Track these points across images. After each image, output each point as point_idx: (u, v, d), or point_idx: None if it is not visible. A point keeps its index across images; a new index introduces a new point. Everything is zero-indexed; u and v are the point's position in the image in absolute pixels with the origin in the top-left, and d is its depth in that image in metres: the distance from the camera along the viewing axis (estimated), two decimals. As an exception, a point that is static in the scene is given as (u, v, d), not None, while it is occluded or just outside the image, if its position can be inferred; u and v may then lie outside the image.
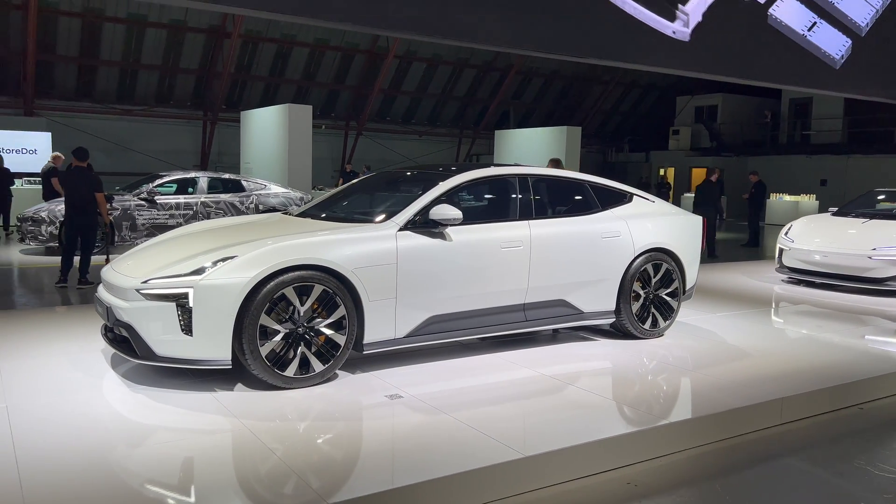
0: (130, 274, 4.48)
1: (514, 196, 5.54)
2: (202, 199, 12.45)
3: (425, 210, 4.96)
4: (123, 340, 4.43)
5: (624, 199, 6.18)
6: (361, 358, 5.08)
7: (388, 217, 4.94)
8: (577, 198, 5.98)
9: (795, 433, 4.41)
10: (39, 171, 14.96)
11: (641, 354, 5.58)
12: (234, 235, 4.82)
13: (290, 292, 4.35)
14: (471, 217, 5.44)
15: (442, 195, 5.12)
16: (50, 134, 19.69)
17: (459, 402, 4.31)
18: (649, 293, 6.03)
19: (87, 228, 8.56)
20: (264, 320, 4.28)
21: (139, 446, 3.63)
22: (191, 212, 12.33)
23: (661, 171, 30.78)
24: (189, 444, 3.68)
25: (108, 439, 3.65)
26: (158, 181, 12.38)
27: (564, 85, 30.25)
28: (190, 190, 12.62)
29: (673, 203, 19.19)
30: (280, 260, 4.32)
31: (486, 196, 5.77)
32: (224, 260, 4.31)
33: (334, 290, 4.48)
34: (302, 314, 4.42)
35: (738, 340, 6.15)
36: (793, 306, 8.27)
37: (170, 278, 4.28)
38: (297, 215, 5.66)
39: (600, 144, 33.73)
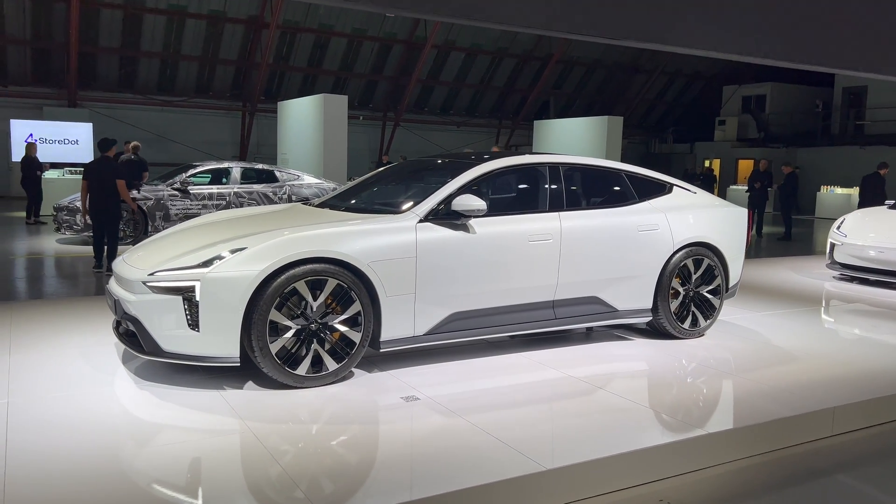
0: (139, 266, 4.30)
1: (544, 186, 5.22)
2: (235, 190, 12.37)
3: (447, 200, 4.68)
4: (132, 335, 4.26)
5: (663, 189, 5.81)
6: (379, 356, 4.83)
7: (409, 208, 4.68)
8: (612, 188, 5.63)
9: (848, 447, 4.03)
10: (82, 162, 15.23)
11: (680, 356, 5.22)
12: (248, 226, 4.62)
13: (301, 286, 4.12)
14: (497, 208, 5.16)
15: (466, 185, 4.83)
16: (91, 125, 19.92)
17: (478, 405, 4.04)
18: (689, 290, 5.66)
19: (110, 217, 8.59)
20: (274, 315, 4.06)
21: (142, 446, 3.45)
22: (224, 202, 12.26)
23: (707, 163, 29.92)
24: (195, 444, 3.48)
25: (108, 438, 3.47)
26: (192, 171, 12.34)
27: (606, 74, 29.57)
28: (224, 180, 12.55)
29: (720, 196, 18.63)
30: (291, 252, 4.09)
31: (515, 186, 5.46)
32: (233, 252, 4.11)
33: (349, 285, 4.24)
34: (315, 309, 4.19)
35: (784, 342, 5.74)
36: (845, 305, 7.78)
37: (176, 270, 4.09)
38: (317, 205, 5.44)
39: (643, 135, 32.96)
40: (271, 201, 12.52)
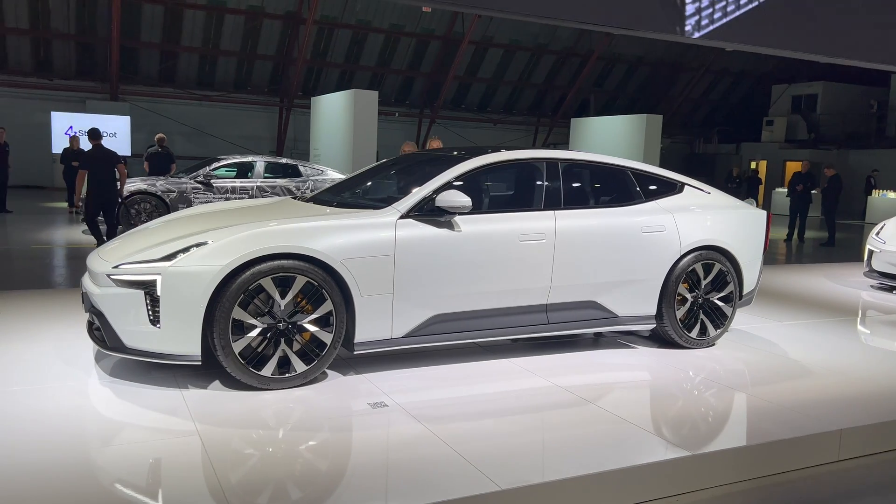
0: (108, 258, 4.16)
1: (539, 183, 4.93)
2: (258, 184, 12.34)
3: (432, 196, 4.44)
4: (97, 329, 4.12)
5: (673, 189, 5.46)
6: (357, 359, 4.62)
7: (391, 203, 4.45)
8: (616, 187, 5.30)
9: (852, 474, 3.65)
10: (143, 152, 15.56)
11: (682, 367, 4.88)
12: (224, 219, 4.44)
13: (268, 283, 3.93)
14: (488, 205, 4.91)
15: (452, 181, 4.58)
16: (129, 118, 20.22)
17: (447, 415, 3.78)
18: (698, 297, 5.30)
19: (108, 202, 9.20)
20: (238, 313, 3.88)
21: (98, 445, 3.29)
22: (247, 195, 12.24)
23: (753, 164, 28.99)
24: (152, 445, 3.29)
25: (62, 435, 3.31)
26: (216, 164, 12.34)
27: (650, 72, 28.88)
28: (249, 174, 12.54)
29: (764, 199, 17.78)
30: (257, 247, 3.90)
31: (509, 183, 5.18)
32: (197, 246, 3.94)
33: (320, 283, 4.03)
34: (283, 308, 3.99)
35: (802, 355, 5.34)
36: (880, 316, 7.27)
37: (139, 264, 3.93)
38: (307, 200, 5.25)
39: (687, 135, 32.12)
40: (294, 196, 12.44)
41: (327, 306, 4.08)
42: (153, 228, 4.70)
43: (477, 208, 4.65)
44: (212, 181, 11.96)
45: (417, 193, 4.46)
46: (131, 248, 4.19)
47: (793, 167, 26.96)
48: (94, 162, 8.99)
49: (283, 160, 13.27)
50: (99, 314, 4.00)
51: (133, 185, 11.56)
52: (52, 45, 21.14)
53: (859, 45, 8.08)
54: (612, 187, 5.31)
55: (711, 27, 6.52)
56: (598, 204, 5.17)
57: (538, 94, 28.18)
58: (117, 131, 19.93)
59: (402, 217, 4.35)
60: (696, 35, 6.46)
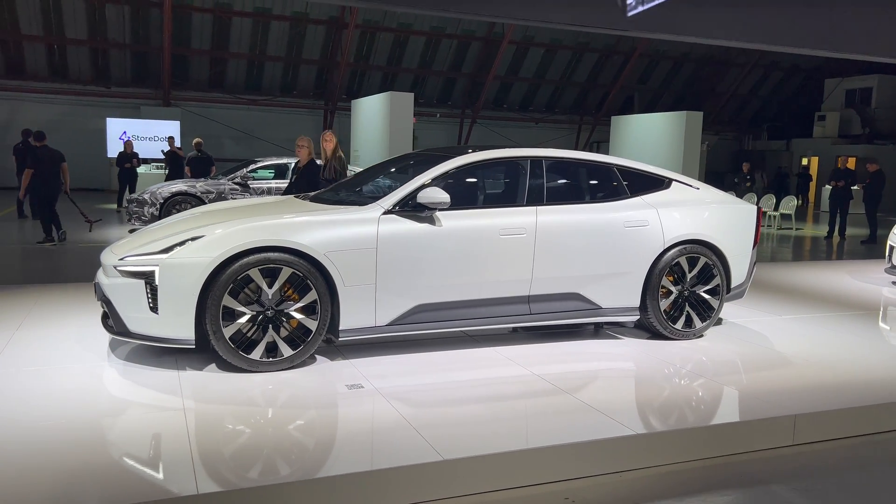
0: (117, 252, 4.58)
1: (522, 181, 5.17)
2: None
3: (414, 193, 4.73)
4: (106, 316, 4.55)
5: (660, 185, 5.61)
6: (350, 347, 4.93)
7: (375, 200, 4.76)
8: (601, 183, 5.49)
9: (802, 458, 3.78)
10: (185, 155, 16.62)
11: (662, 357, 5.04)
12: (224, 216, 4.81)
13: (255, 274, 4.28)
14: (471, 202, 5.17)
15: (436, 178, 4.86)
16: (179, 122, 21.10)
17: (417, 398, 4.06)
18: (683, 290, 5.44)
19: (51, 196, 10.60)
20: (228, 301, 4.24)
21: (98, 419, 3.63)
22: (302, 194, 12.73)
23: (804, 161, 28.32)
24: (149, 421, 3.65)
25: (66, 410, 3.70)
26: (253, 166, 12.88)
27: (696, 68, 28.50)
28: (286, 176, 13.03)
29: (815, 196, 17.37)
30: (245, 241, 4.26)
31: (493, 180, 5.42)
32: (194, 239, 4.32)
33: (305, 274, 4.36)
34: (270, 297, 4.34)
35: (788, 347, 5.42)
36: (891, 311, 7.22)
37: (141, 256, 4.34)
38: (310, 198, 5.58)
39: (736, 132, 31.56)
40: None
41: (312, 296, 4.41)
42: (165, 225, 5.11)
43: (460, 205, 4.92)
44: (249, 182, 12.49)
45: (400, 191, 4.76)
46: (138, 242, 4.60)
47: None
48: (41, 161, 10.43)
49: (318, 161, 13.71)
50: (108, 302, 4.42)
51: (175, 186, 12.19)
52: (109, 55, 22.22)
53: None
54: (596, 184, 5.50)
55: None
56: (581, 200, 5.36)
57: (581, 92, 28.14)
58: (167, 136, 20.84)
59: (385, 213, 4.65)
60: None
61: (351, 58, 23.61)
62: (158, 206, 11.89)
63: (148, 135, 20.43)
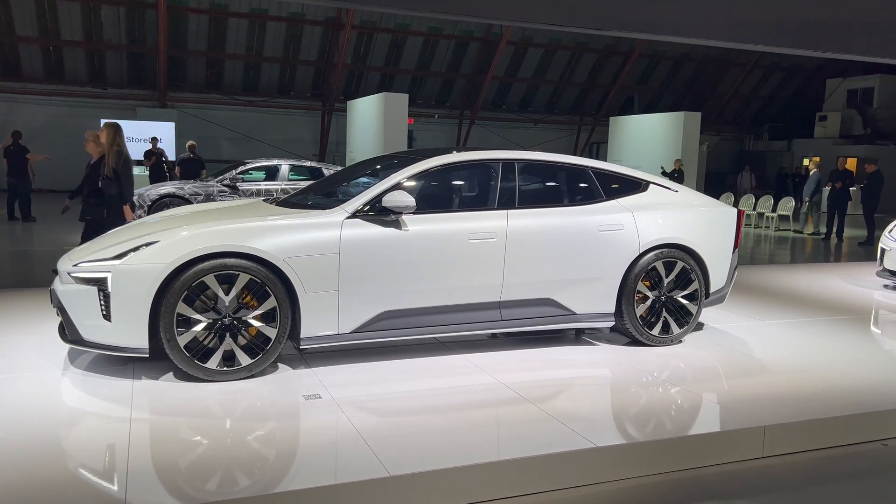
0: (72, 258, 4.47)
1: (493, 184, 5.04)
2: (282, 186, 12.70)
3: (379, 197, 4.60)
4: (61, 324, 4.44)
5: (637, 188, 5.48)
6: (314, 355, 4.81)
7: (340, 204, 4.63)
8: (575, 186, 5.36)
9: (771, 471, 3.64)
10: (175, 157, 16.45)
11: (637, 364, 4.90)
12: (187, 220, 4.70)
13: (211, 281, 4.16)
14: (440, 205, 5.03)
15: (403, 181, 4.74)
16: (173, 124, 21.03)
17: (375, 408, 3.94)
18: (660, 295, 5.30)
19: (22, 186, 13.01)
20: (182, 309, 4.12)
21: (51, 430, 3.53)
22: (271, 197, 12.62)
23: (805, 161, 28.05)
24: (104, 432, 3.55)
25: (15, 420, 3.60)
26: (242, 168, 12.79)
27: (696, 68, 28.32)
28: (276, 178, 12.93)
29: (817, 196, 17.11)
30: (200, 246, 4.13)
31: (462, 184, 5.29)
32: (147, 245, 4.20)
33: (263, 280, 4.24)
34: (227, 304, 4.22)
35: (768, 353, 5.28)
36: (883, 316, 7.06)
37: (94, 262, 4.22)
38: (278, 202, 5.46)
39: (737, 132, 31.36)
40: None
41: (271, 303, 4.28)
42: (122, 231, 5.00)
43: (429, 208, 4.79)
44: (238, 184, 12.39)
45: (365, 194, 4.63)
46: (96, 248, 4.49)
47: (848, 163, 25.99)
48: (13, 155, 12.36)
49: (308, 163, 13.66)
50: (62, 309, 4.31)
51: (163, 188, 12.10)
52: (105, 57, 22.16)
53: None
54: (571, 187, 5.37)
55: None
56: (554, 203, 5.23)
57: (580, 92, 27.98)
58: (163, 137, 20.73)
59: (349, 217, 4.53)
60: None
61: (348, 59, 23.52)
62: (146, 208, 11.80)
63: (142, 136, 20.31)
